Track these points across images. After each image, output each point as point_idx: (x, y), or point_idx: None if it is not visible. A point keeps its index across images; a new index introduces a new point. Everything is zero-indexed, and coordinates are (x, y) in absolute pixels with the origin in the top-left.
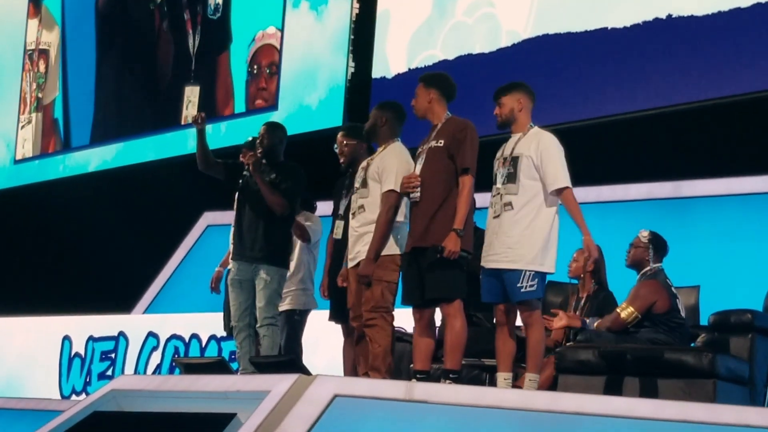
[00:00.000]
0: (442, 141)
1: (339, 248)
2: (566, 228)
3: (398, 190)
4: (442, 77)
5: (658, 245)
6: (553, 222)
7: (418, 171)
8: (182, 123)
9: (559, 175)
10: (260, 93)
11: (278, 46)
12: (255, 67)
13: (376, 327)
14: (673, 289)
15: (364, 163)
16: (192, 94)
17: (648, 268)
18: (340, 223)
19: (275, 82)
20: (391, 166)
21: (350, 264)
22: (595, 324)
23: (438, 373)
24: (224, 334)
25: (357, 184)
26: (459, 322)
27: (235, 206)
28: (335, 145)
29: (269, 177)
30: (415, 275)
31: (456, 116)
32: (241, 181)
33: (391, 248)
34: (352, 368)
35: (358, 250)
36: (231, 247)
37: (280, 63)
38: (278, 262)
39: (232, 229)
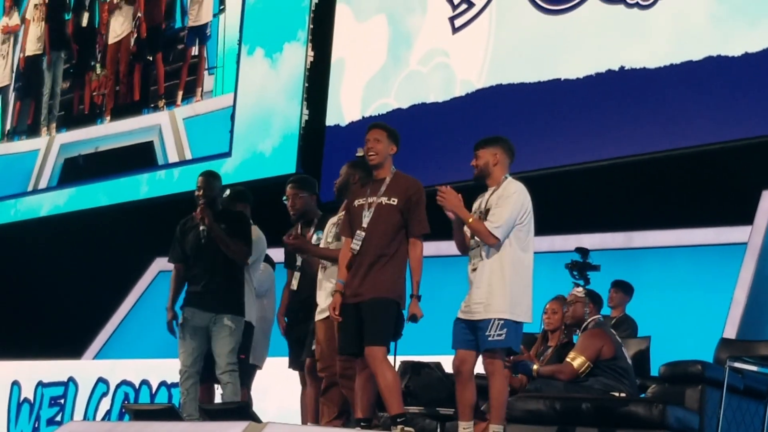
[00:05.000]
0: (395, 200)
1: (296, 300)
2: (544, 280)
3: None
4: (399, 136)
5: (594, 298)
6: (527, 272)
7: (365, 224)
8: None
9: (497, 223)
10: None
11: None
12: None
13: (353, 378)
14: (617, 336)
15: (334, 219)
16: None
17: (590, 320)
18: (297, 275)
19: None
20: None
21: (319, 317)
22: (535, 366)
23: (387, 422)
24: (174, 380)
25: (329, 239)
26: (387, 367)
27: (189, 255)
28: (285, 197)
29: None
30: (354, 325)
31: (400, 172)
32: (200, 233)
33: None
34: (313, 416)
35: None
36: (172, 292)
37: None
38: (239, 311)
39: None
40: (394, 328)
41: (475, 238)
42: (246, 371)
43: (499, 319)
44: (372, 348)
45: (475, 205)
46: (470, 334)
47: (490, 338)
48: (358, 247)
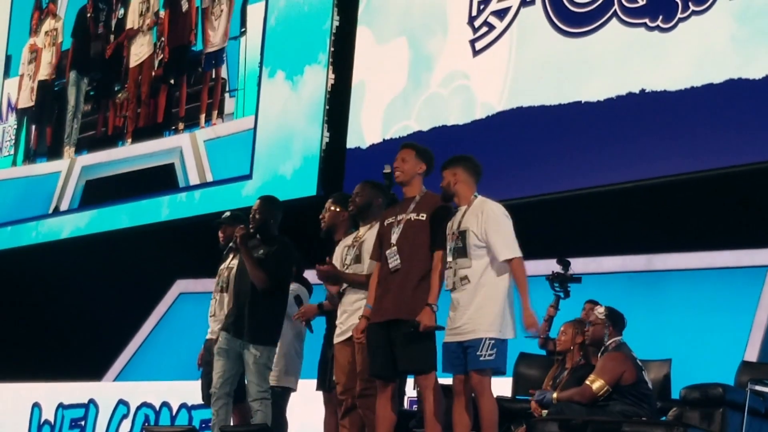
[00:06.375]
0: (425, 215)
1: (331, 322)
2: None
3: None
4: (431, 155)
5: (616, 319)
6: (509, 289)
7: (393, 240)
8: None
9: (505, 246)
10: None
11: None
12: None
13: (372, 398)
14: (638, 360)
15: (348, 240)
16: None
17: (610, 342)
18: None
19: None
20: None
21: (338, 339)
22: (555, 394)
23: None
24: (195, 402)
25: (347, 261)
26: (435, 395)
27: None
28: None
29: (257, 253)
30: (386, 347)
31: (430, 191)
32: (237, 256)
33: None
34: None
35: (351, 324)
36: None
37: None
38: (265, 340)
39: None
40: None
41: (452, 256)
42: (279, 394)
43: (490, 339)
44: (425, 376)
45: (448, 228)
46: (462, 358)
47: (481, 358)
48: (398, 263)
